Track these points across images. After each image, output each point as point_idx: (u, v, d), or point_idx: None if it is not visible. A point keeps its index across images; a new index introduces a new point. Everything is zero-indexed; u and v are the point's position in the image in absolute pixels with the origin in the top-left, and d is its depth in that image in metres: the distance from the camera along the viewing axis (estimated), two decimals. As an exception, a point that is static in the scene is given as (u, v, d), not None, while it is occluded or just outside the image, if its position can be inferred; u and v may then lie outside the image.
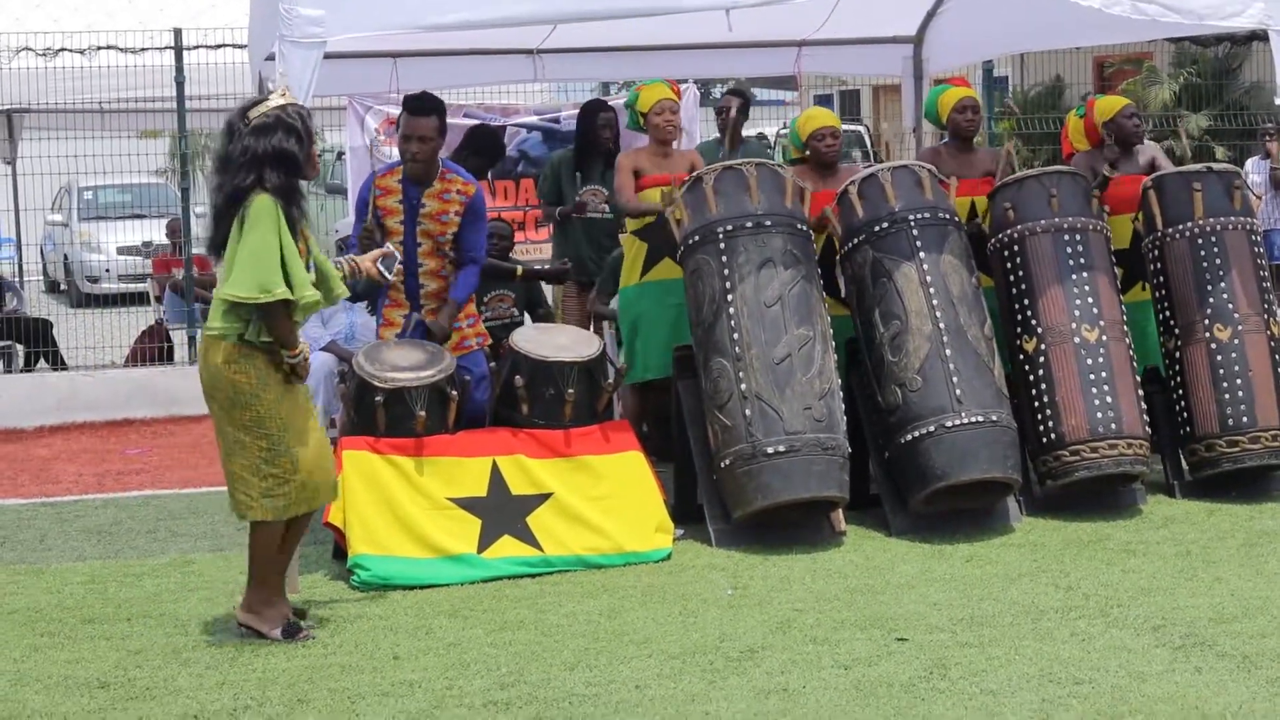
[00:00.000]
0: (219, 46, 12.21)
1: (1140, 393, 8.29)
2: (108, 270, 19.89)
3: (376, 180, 8.03)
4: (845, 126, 26.12)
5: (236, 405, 6.38)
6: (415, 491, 7.47)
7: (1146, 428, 8.25)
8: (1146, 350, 8.84)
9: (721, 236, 7.88)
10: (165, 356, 13.46)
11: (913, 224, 8.10)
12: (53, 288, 21.04)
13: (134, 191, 19.96)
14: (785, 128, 11.80)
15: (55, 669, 6.22)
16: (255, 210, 6.25)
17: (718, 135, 10.15)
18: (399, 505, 7.43)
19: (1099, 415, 8.07)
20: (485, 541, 7.42)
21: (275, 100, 6.44)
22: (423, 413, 7.48)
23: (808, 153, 8.74)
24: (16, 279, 16.09)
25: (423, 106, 7.88)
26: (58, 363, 13.32)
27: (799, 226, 8.00)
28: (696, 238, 7.95)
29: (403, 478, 7.49)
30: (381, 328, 8.03)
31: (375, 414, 7.52)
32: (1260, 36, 8.29)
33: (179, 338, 13.61)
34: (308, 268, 6.43)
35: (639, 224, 8.72)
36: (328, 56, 10.58)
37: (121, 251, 19.63)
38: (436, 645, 6.38)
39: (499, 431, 7.75)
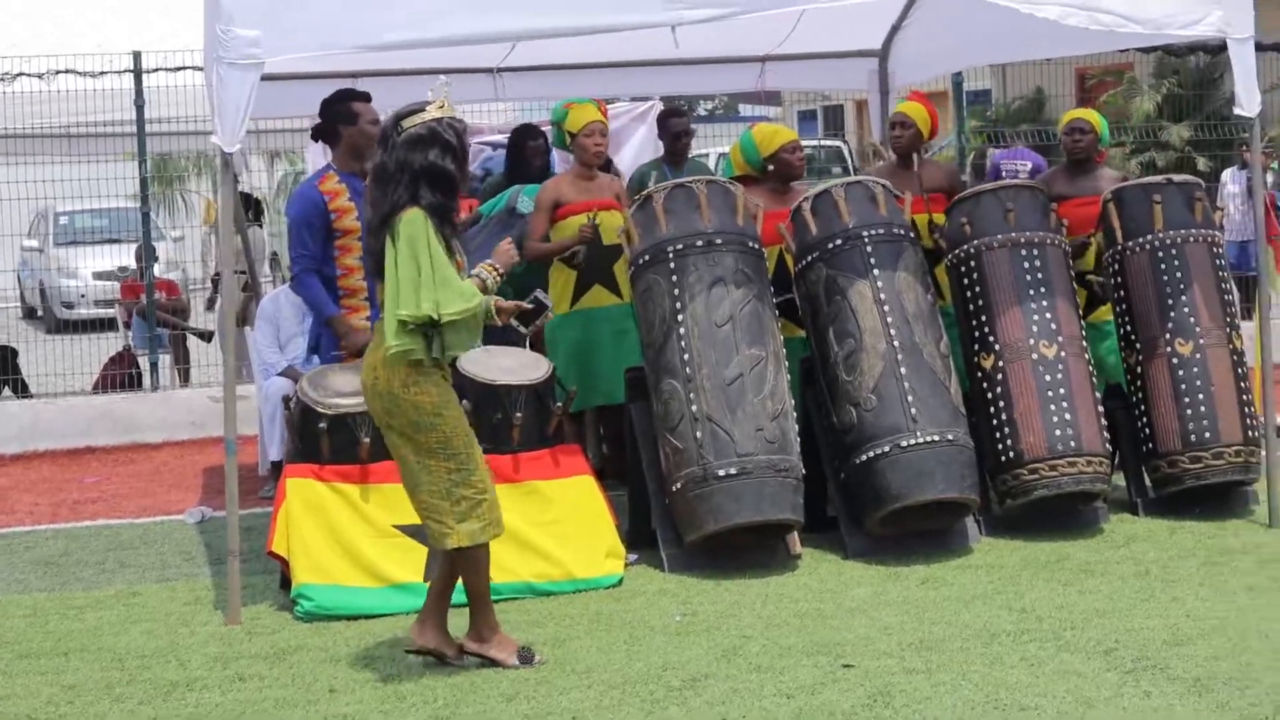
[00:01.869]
0: (179, 69, 12.10)
1: (1100, 409, 8.16)
2: (83, 295, 19.78)
3: (320, 187, 7.93)
4: (826, 142, 26.16)
5: (420, 429, 6.11)
6: (360, 519, 7.34)
7: (1107, 445, 8.12)
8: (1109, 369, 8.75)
9: (672, 256, 7.75)
10: (133, 383, 13.32)
11: (866, 240, 7.98)
12: (29, 314, 20.94)
13: (110, 216, 19.80)
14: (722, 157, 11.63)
15: (-16, 706, 6.09)
16: (406, 225, 6.00)
17: (660, 155, 10.04)
18: (343, 533, 7.30)
19: (1058, 433, 7.94)
20: (432, 569, 7.27)
21: (431, 112, 6.13)
22: (367, 439, 7.35)
23: (771, 168, 8.59)
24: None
25: (367, 95, 7.97)
26: (20, 390, 13.19)
27: (750, 245, 7.88)
28: (646, 257, 7.83)
29: (347, 505, 7.36)
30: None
31: (319, 440, 7.39)
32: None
33: (146, 364, 13.48)
34: None
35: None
36: (287, 78, 10.74)
37: (97, 277, 19.49)
38: (374, 677, 6.25)
39: (446, 457, 7.61)
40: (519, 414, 7.54)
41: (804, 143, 9.50)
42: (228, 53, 6.89)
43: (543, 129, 10.12)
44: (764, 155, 8.59)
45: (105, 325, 15.76)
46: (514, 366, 7.69)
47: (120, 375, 13.39)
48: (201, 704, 6.02)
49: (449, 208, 6.13)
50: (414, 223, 6.01)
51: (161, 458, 11.75)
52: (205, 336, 14.30)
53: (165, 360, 14.37)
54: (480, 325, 6.23)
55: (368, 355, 6.27)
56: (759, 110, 32.54)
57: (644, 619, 6.89)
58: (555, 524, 7.51)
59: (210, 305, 13.72)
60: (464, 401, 7.43)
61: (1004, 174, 10.48)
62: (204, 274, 17.83)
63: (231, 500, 7.22)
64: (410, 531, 7.31)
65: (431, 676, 6.19)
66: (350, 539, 7.28)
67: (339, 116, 7.97)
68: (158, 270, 16.56)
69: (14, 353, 13.56)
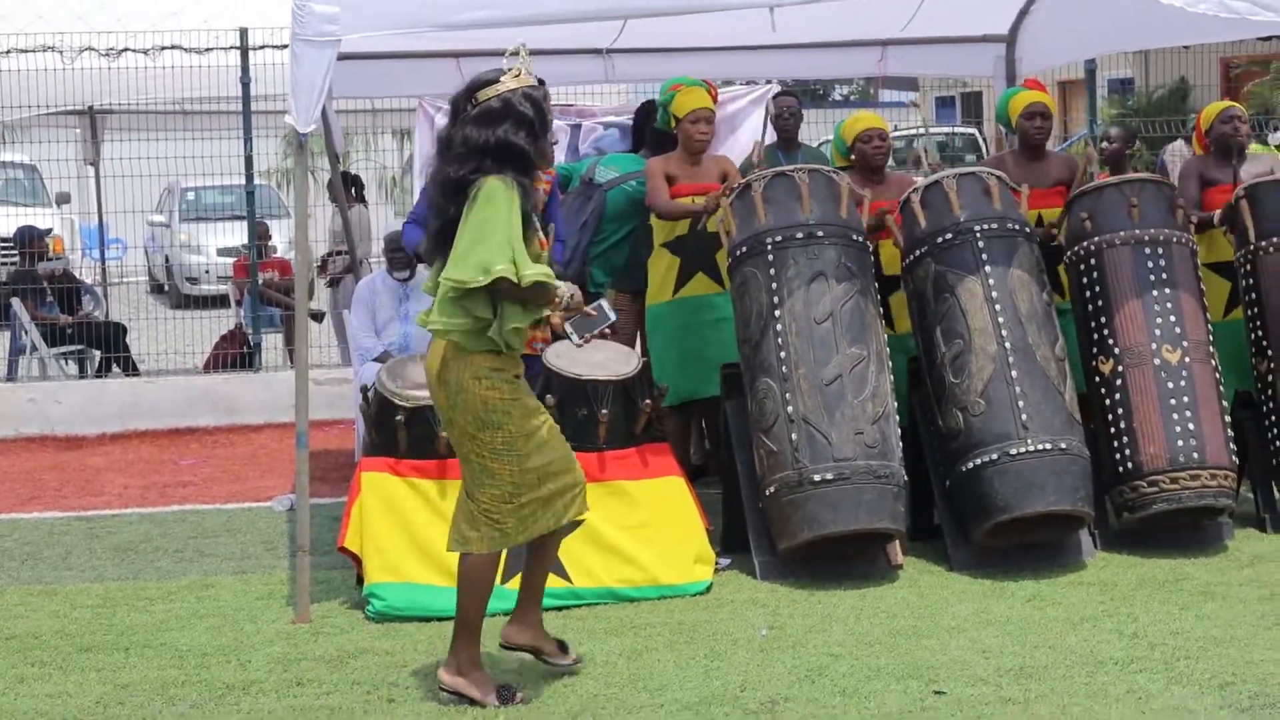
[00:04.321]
0: (286, 46, 11.84)
1: (1227, 419, 7.66)
2: (207, 271, 19.81)
3: None
4: (960, 130, 25.53)
5: (486, 426, 5.65)
6: (437, 516, 7.01)
7: (1234, 457, 7.61)
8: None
9: (770, 248, 7.36)
10: (243, 363, 13.15)
11: (978, 235, 7.53)
12: (157, 289, 21.01)
13: (237, 193, 19.80)
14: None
15: (33, 703, 5.87)
16: (487, 190, 5.52)
17: (773, 141, 9.59)
18: (419, 530, 7.00)
19: (1180, 443, 7.45)
20: (510, 571, 6.93)
21: (507, 82, 5.65)
22: (445, 433, 7.04)
23: (853, 158, 8.20)
24: (99, 282, 15.89)
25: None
26: (128, 368, 13.09)
27: (854, 237, 7.47)
28: (744, 249, 7.44)
29: (424, 502, 7.07)
30: None
31: (396, 434, 7.10)
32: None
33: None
34: None
35: (669, 236, 8.24)
36: (390, 56, 10.50)
37: (221, 253, 19.53)
38: (437, 687, 5.91)
39: (528, 454, 7.29)
40: (605, 410, 7.19)
41: (936, 129, 9.10)
42: (304, 29, 6.61)
43: None
44: (847, 144, 8.21)
45: (228, 302, 15.70)
46: (603, 361, 7.34)
47: (231, 355, 13.26)
48: (254, 710, 5.74)
49: (524, 184, 5.66)
50: (495, 188, 5.55)
51: (261, 440, 11.57)
52: (317, 317, 14.14)
53: (276, 340, 14.29)
54: (536, 313, 5.75)
55: (434, 344, 5.83)
56: (897, 95, 31.97)
57: (728, 631, 6.52)
58: (641, 527, 7.17)
59: (332, 284, 13.53)
60: (548, 396, 7.14)
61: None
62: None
63: (302, 494, 6.93)
64: (489, 531, 7.00)
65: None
66: (426, 536, 6.97)
67: None
68: (281, 249, 16.53)
69: (124, 330, 13.47)
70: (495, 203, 5.52)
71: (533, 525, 5.80)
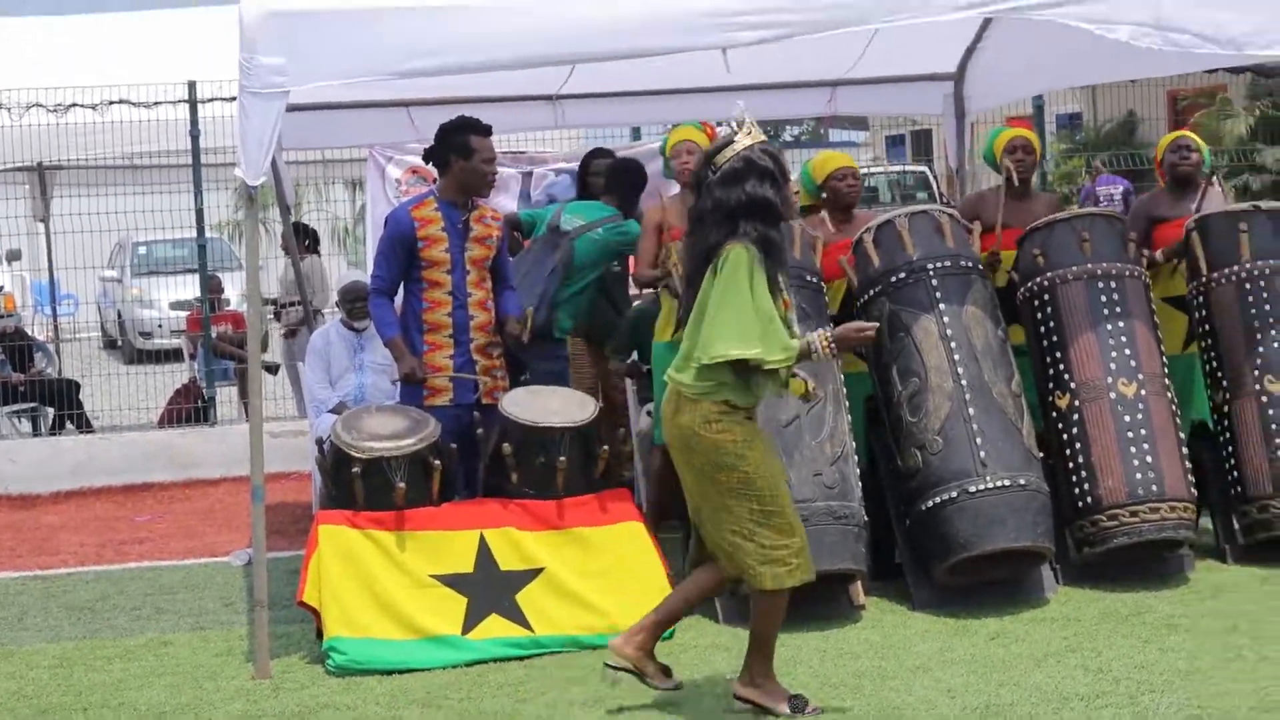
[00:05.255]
0: (235, 99, 11.78)
1: (1185, 451, 7.67)
2: (160, 325, 19.67)
3: (413, 212, 7.59)
4: (910, 168, 25.62)
5: (721, 468, 5.80)
6: (396, 569, 6.99)
7: (1192, 489, 7.63)
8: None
9: (725, 290, 7.34)
10: (198, 417, 13.06)
11: (931, 274, 7.54)
12: (110, 344, 20.86)
13: (189, 246, 19.69)
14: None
15: (-10, 769, 5.79)
16: (730, 262, 5.71)
17: None
18: (378, 583, 6.95)
19: (1138, 476, 7.46)
20: (471, 621, 6.93)
21: (741, 141, 5.85)
22: (403, 484, 7.00)
23: (824, 196, 8.20)
24: (52, 339, 15.78)
25: (488, 128, 7.68)
26: (83, 425, 12.99)
27: (809, 278, 7.46)
28: (699, 292, 7.42)
29: (383, 554, 7.01)
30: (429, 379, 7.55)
31: (353, 485, 7.06)
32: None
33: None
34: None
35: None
36: (341, 107, 10.47)
37: (174, 307, 19.38)
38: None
39: (487, 503, 7.27)
40: (563, 457, 7.16)
41: (890, 168, 9.14)
42: (251, 82, 6.59)
43: (612, 150, 9.79)
44: (818, 183, 8.20)
45: (182, 356, 15.61)
46: (559, 407, 7.32)
47: (186, 409, 13.17)
48: (214, 770, 5.68)
49: (773, 238, 5.81)
50: (736, 260, 5.70)
51: (218, 494, 11.49)
52: (272, 369, 14.06)
53: (231, 394, 14.19)
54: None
55: (670, 389, 5.95)
56: (847, 135, 32.07)
57: (691, 677, 6.47)
58: (602, 573, 7.13)
59: (288, 335, 13.47)
60: (505, 445, 7.12)
61: (1101, 199, 10.02)
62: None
63: (259, 548, 6.88)
64: (449, 581, 6.99)
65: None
66: (385, 589, 6.93)
67: (454, 148, 7.62)
68: (234, 301, 16.44)
69: (77, 386, 13.37)
70: (743, 276, 5.70)
71: (787, 568, 5.90)
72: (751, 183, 5.78)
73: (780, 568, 5.82)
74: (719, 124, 10.37)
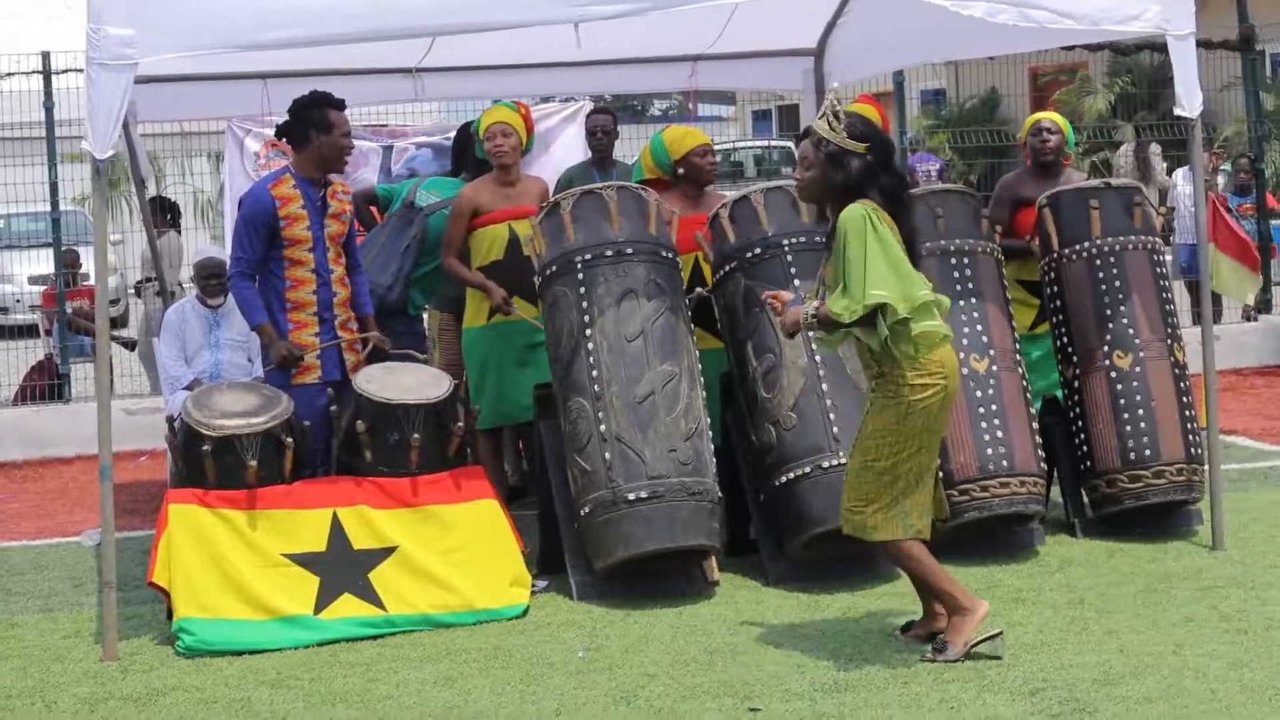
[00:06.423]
0: (86, 70, 11.59)
1: (1035, 426, 7.77)
2: (18, 300, 19.31)
3: (272, 190, 7.48)
4: (776, 143, 25.79)
5: (888, 405, 6.21)
6: (247, 548, 6.91)
7: (1042, 464, 7.73)
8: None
9: (580, 266, 7.33)
10: (55, 394, 12.82)
11: (787, 249, 7.56)
12: (-34, 320, 20.45)
13: (46, 220, 19.35)
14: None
15: None
16: (844, 224, 6.04)
17: (589, 157, 9.58)
18: (229, 563, 6.86)
19: (989, 451, 7.55)
20: (323, 601, 6.87)
21: (826, 119, 6.22)
22: (254, 462, 6.93)
23: (681, 172, 8.17)
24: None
25: (343, 102, 7.62)
26: (-64, 402, 12.73)
27: (664, 254, 7.46)
28: (554, 268, 7.40)
29: (234, 533, 6.93)
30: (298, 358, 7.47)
31: (204, 464, 6.97)
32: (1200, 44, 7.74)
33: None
34: None
35: (485, 261, 8.22)
36: (197, 79, 10.32)
37: (33, 281, 19.04)
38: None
39: (340, 481, 7.20)
40: (417, 435, 7.12)
41: (755, 143, 9.14)
42: (99, 53, 6.44)
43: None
44: (674, 159, 8.13)
45: (38, 332, 15.33)
46: (412, 385, 7.26)
47: (41, 386, 12.92)
48: (57, 754, 5.59)
49: (897, 194, 6.19)
50: (849, 219, 6.03)
51: (72, 473, 11.30)
52: (130, 345, 13.85)
53: (87, 370, 13.93)
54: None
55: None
56: (715, 110, 32.18)
57: (544, 655, 6.47)
58: (455, 551, 7.10)
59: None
60: (359, 422, 7.06)
61: (919, 175, 10.09)
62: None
63: (107, 528, 6.77)
64: (301, 560, 6.92)
65: (307, 722, 5.76)
66: (236, 569, 6.85)
67: (313, 123, 7.52)
68: (92, 276, 16.13)
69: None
70: (856, 232, 6.03)
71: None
72: (853, 158, 6.17)
73: (899, 520, 6.27)
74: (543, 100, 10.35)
